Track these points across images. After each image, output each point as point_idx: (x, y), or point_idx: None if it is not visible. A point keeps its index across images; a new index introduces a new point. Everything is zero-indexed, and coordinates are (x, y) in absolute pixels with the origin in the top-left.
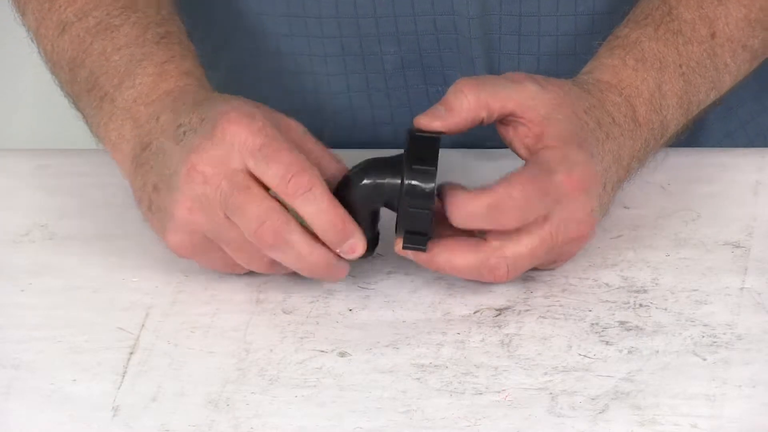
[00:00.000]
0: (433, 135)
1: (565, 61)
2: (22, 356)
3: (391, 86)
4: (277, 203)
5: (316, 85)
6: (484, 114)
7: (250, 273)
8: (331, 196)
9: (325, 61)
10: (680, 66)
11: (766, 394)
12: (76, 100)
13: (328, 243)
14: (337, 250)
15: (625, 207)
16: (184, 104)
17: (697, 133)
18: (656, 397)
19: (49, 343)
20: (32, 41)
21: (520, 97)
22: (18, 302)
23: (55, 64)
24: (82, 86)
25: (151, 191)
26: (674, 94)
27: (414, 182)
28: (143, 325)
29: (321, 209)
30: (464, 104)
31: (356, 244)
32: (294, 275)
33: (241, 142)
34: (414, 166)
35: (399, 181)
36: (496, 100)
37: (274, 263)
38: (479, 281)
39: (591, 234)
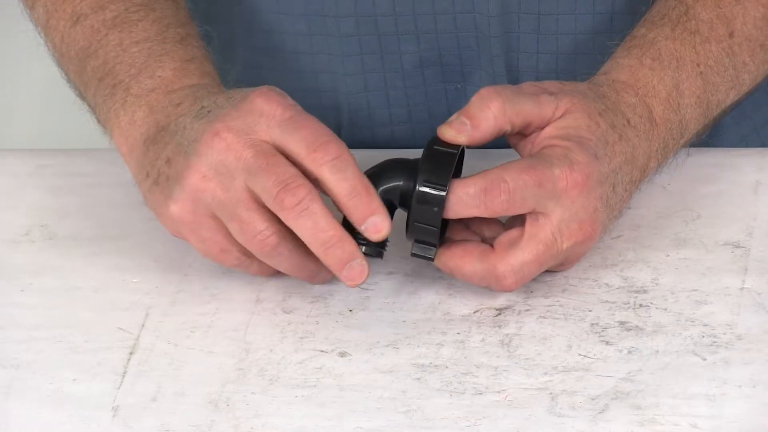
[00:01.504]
0: (452, 150)
1: (584, 60)
2: (22, 356)
3: (409, 85)
4: (301, 172)
5: (333, 83)
6: (508, 128)
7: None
8: (358, 167)
9: (342, 60)
10: (698, 65)
11: (766, 394)
12: (83, 89)
13: (352, 215)
14: (362, 228)
15: (625, 207)
16: (207, 92)
17: (712, 137)
18: (656, 397)
19: (49, 343)
20: (39, 34)
21: (540, 111)
22: (18, 302)
23: (63, 55)
24: (92, 75)
25: (163, 164)
26: (692, 93)
27: (424, 193)
28: (143, 325)
29: (347, 176)
30: (490, 119)
31: (381, 223)
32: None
33: (270, 113)
34: (426, 180)
35: (413, 187)
36: (519, 116)
37: (275, 247)
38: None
39: (596, 235)
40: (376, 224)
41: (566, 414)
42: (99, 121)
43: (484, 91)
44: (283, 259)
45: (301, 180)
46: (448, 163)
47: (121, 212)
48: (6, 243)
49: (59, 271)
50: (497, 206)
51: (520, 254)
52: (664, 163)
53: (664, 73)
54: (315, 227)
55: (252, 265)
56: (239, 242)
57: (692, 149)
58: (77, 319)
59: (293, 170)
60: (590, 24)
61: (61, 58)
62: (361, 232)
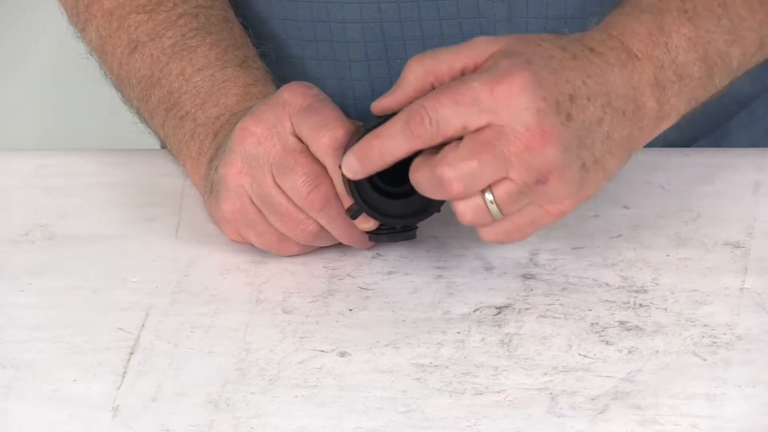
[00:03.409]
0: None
1: None
2: (22, 356)
3: None
4: (325, 169)
5: (340, 89)
6: (431, 79)
7: (249, 272)
8: None
9: (349, 66)
10: (685, 12)
11: (766, 394)
12: (148, 117)
13: (345, 206)
14: (355, 220)
15: (625, 207)
16: None
17: (722, 140)
18: (656, 397)
19: (49, 343)
20: (91, 55)
21: (467, 51)
22: (18, 302)
23: (122, 81)
24: (157, 105)
25: (213, 173)
26: (682, 36)
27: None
28: (143, 325)
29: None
30: (410, 77)
31: (369, 218)
32: (294, 273)
33: (292, 102)
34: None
35: None
36: (440, 62)
37: (317, 234)
38: (478, 280)
39: (550, 140)
40: (366, 218)
41: (566, 414)
42: (169, 151)
43: (410, 59)
44: (327, 238)
45: (327, 179)
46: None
47: (121, 212)
48: (6, 243)
49: (59, 271)
50: (423, 133)
51: (456, 151)
52: (669, 107)
53: (643, 16)
54: (341, 223)
55: (313, 247)
56: (283, 232)
57: (692, 149)
58: (77, 319)
59: (319, 168)
60: None
61: (121, 83)
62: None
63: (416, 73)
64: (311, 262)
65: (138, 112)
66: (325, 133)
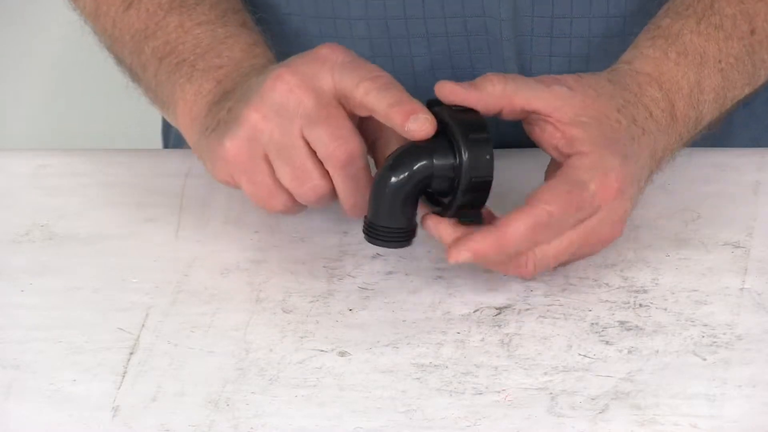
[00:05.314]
0: (487, 136)
1: (597, 63)
2: (22, 356)
3: (420, 86)
4: (356, 129)
5: None
6: (504, 105)
7: (250, 272)
8: (406, 92)
9: None
10: (720, 62)
11: (766, 394)
12: (141, 71)
13: (395, 119)
14: (405, 129)
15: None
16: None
17: (723, 139)
18: (656, 397)
19: (49, 343)
20: (85, 23)
21: (547, 98)
22: (18, 302)
23: (116, 39)
24: (151, 55)
25: (225, 114)
26: (712, 90)
27: (475, 184)
28: (143, 325)
29: (393, 93)
30: (488, 89)
31: (424, 119)
32: (294, 273)
33: (333, 58)
34: (471, 136)
35: (450, 161)
36: (520, 98)
37: (324, 196)
38: (478, 281)
39: (622, 233)
40: (418, 119)
41: (566, 414)
42: (157, 101)
43: (489, 73)
44: (327, 203)
45: (356, 138)
46: (488, 152)
47: (121, 212)
48: (6, 243)
49: (59, 271)
50: (545, 238)
51: (545, 248)
52: (675, 156)
53: (688, 68)
54: (353, 186)
55: (294, 211)
56: (287, 187)
57: (692, 149)
58: (77, 319)
59: (350, 126)
60: (604, 27)
61: (114, 43)
62: (405, 134)
63: (495, 91)
64: (311, 262)
65: (130, 69)
66: (371, 77)
